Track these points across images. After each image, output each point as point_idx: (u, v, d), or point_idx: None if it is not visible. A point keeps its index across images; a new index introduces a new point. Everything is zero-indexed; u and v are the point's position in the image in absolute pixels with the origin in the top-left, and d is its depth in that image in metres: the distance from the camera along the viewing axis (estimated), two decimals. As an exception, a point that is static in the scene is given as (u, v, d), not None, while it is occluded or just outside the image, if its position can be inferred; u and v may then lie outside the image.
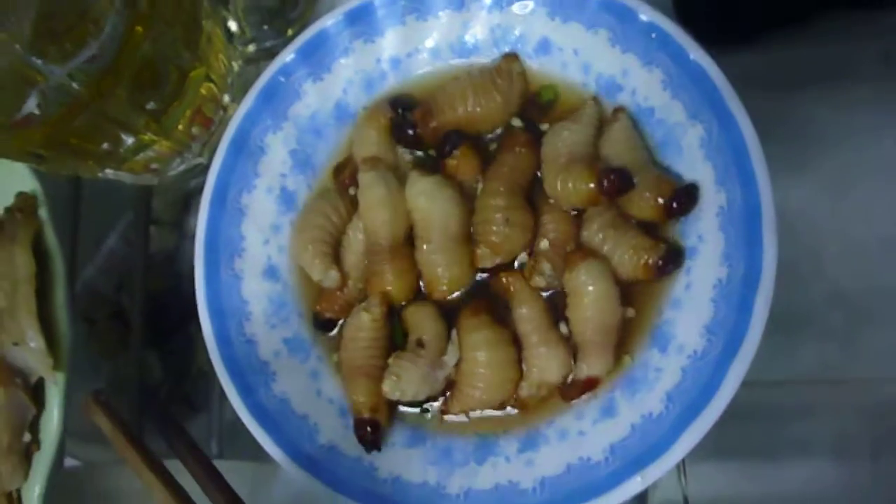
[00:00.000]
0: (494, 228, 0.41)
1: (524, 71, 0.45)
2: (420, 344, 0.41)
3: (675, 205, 0.40)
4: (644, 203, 0.40)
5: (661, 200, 0.40)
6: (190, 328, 0.65)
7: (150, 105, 0.44)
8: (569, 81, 0.45)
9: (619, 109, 0.43)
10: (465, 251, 0.43)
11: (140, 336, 0.58)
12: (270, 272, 0.47)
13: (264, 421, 0.42)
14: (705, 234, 0.40)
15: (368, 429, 0.41)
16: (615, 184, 0.39)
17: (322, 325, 0.45)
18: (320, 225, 0.45)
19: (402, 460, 0.42)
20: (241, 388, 0.43)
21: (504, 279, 0.42)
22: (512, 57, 0.45)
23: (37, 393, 0.48)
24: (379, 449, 0.41)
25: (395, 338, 0.43)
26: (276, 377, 0.44)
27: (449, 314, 0.43)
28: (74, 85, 0.38)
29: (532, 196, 0.43)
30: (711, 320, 0.38)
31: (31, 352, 0.46)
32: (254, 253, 0.47)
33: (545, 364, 0.41)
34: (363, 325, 0.42)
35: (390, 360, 0.42)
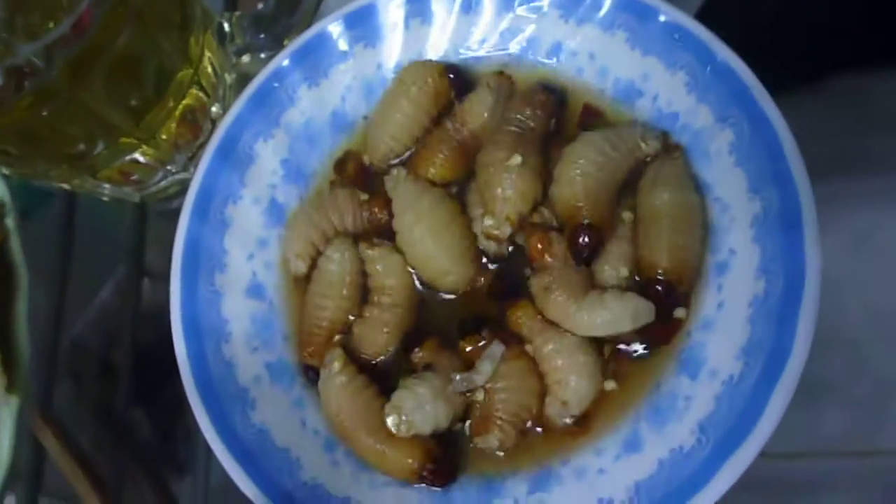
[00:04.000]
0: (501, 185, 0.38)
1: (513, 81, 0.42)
2: (429, 368, 0.37)
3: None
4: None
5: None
6: (178, 383, 0.62)
7: (131, 102, 0.40)
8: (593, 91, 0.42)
9: (676, 147, 0.39)
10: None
11: (127, 393, 0.54)
12: (255, 290, 0.42)
13: (239, 453, 0.37)
14: (738, 247, 0.36)
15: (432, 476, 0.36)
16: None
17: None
18: (318, 226, 0.41)
19: (396, 503, 0.37)
20: (214, 416, 0.38)
21: (514, 315, 0.38)
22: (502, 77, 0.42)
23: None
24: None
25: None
26: (255, 405, 0.39)
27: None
28: (41, 63, 0.34)
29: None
30: (748, 341, 0.34)
31: (-16, 372, 0.41)
32: (237, 268, 0.43)
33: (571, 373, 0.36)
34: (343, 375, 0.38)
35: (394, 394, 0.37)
